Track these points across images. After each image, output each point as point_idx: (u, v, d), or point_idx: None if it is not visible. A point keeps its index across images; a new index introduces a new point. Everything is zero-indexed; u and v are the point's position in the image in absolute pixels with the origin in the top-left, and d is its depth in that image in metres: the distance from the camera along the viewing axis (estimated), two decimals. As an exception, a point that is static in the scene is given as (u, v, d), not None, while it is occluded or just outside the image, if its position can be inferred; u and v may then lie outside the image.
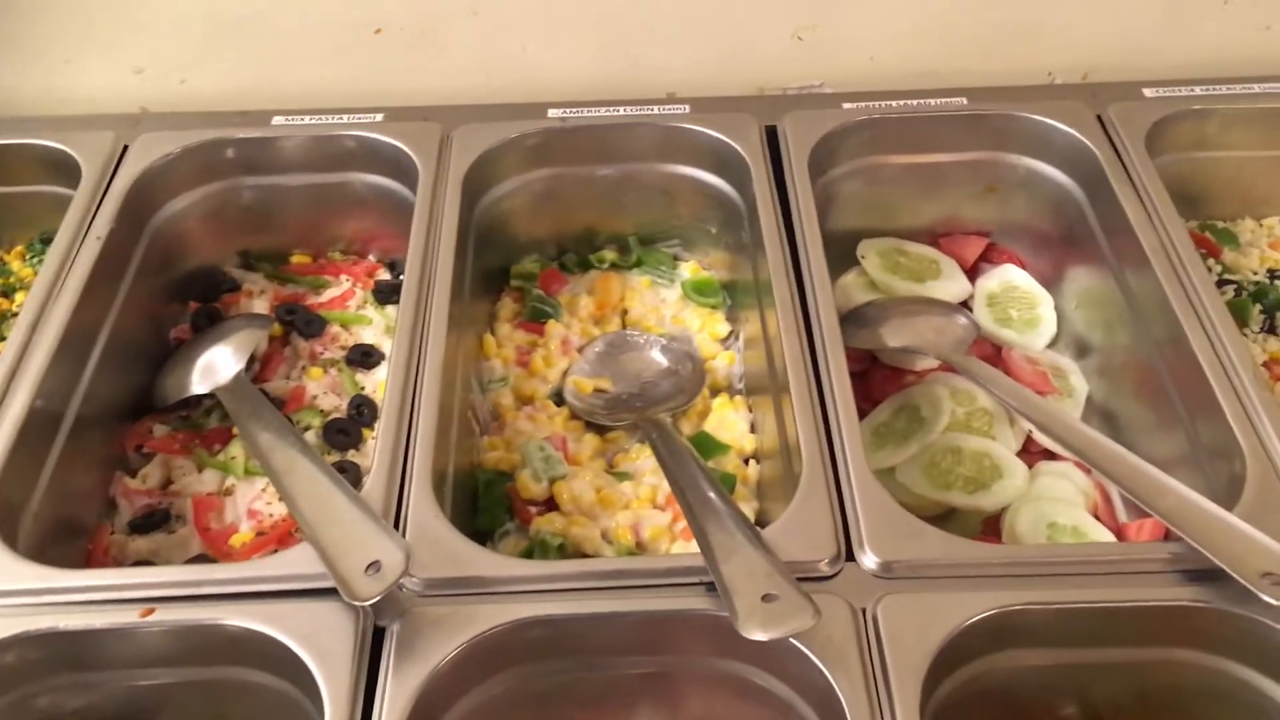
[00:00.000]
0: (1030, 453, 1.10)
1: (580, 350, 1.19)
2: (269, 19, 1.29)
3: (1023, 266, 1.27)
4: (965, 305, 1.24)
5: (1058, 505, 1.02)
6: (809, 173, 1.17)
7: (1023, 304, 1.23)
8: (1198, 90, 1.27)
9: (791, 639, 0.77)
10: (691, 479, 0.92)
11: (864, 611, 0.80)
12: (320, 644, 0.76)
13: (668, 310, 1.25)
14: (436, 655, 0.76)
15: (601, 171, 1.25)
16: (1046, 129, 1.20)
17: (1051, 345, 1.21)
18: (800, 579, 0.80)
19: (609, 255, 1.29)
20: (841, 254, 1.26)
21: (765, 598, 0.75)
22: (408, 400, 0.94)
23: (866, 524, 0.85)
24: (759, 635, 0.72)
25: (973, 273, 1.28)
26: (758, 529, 0.84)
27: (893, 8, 1.31)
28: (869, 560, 0.83)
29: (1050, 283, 1.24)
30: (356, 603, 0.75)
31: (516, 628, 0.77)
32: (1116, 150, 1.17)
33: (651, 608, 0.79)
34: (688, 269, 1.28)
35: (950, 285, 1.24)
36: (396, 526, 0.86)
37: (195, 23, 1.28)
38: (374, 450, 0.91)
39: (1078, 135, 1.19)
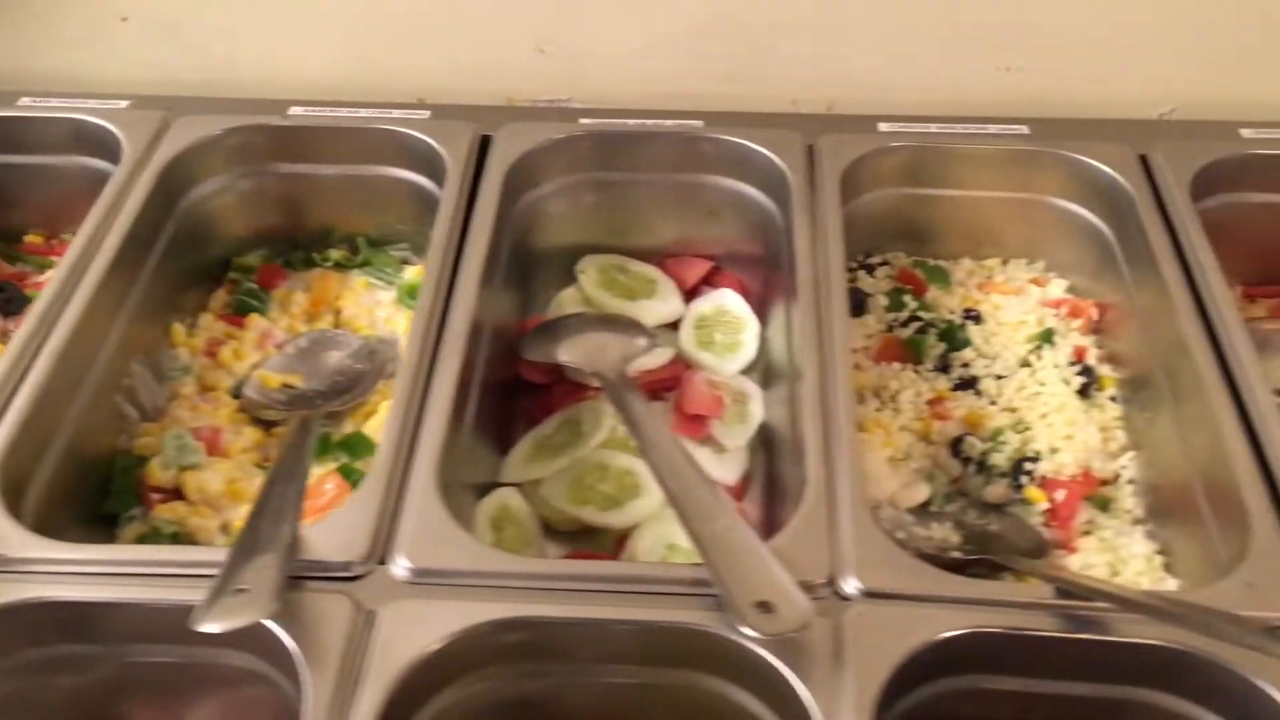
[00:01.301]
0: (686, 474, 1.10)
1: (279, 346, 1.20)
2: (18, -1, 1.31)
3: (745, 291, 1.27)
4: (675, 326, 1.24)
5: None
6: (509, 185, 1.18)
7: (729, 328, 1.23)
8: (933, 128, 1.27)
9: (284, 633, 0.77)
10: (287, 474, 0.93)
11: (372, 614, 0.80)
12: None
13: (381, 312, 1.26)
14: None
15: (323, 171, 1.26)
16: (750, 153, 1.21)
17: (749, 370, 1.21)
18: (324, 577, 0.81)
19: (335, 254, 1.30)
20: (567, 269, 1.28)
21: (238, 591, 0.76)
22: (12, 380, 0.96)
23: (413, 532, 0.85)
24: (206, 626, 0.73)
25: (696, 294, 1.28)
26: (297, 531, 0.84)
27: (643, 26, 1.32)
28: (399, 566, 0.84)
29: (765, 308, 1.25)
30: None
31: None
32: (814, 180, 1.17)
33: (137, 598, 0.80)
34: (413, 272, 1.29)
35: (661, 306, 1.25)
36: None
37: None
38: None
39: (777, 161, 1.19)
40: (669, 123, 1.28)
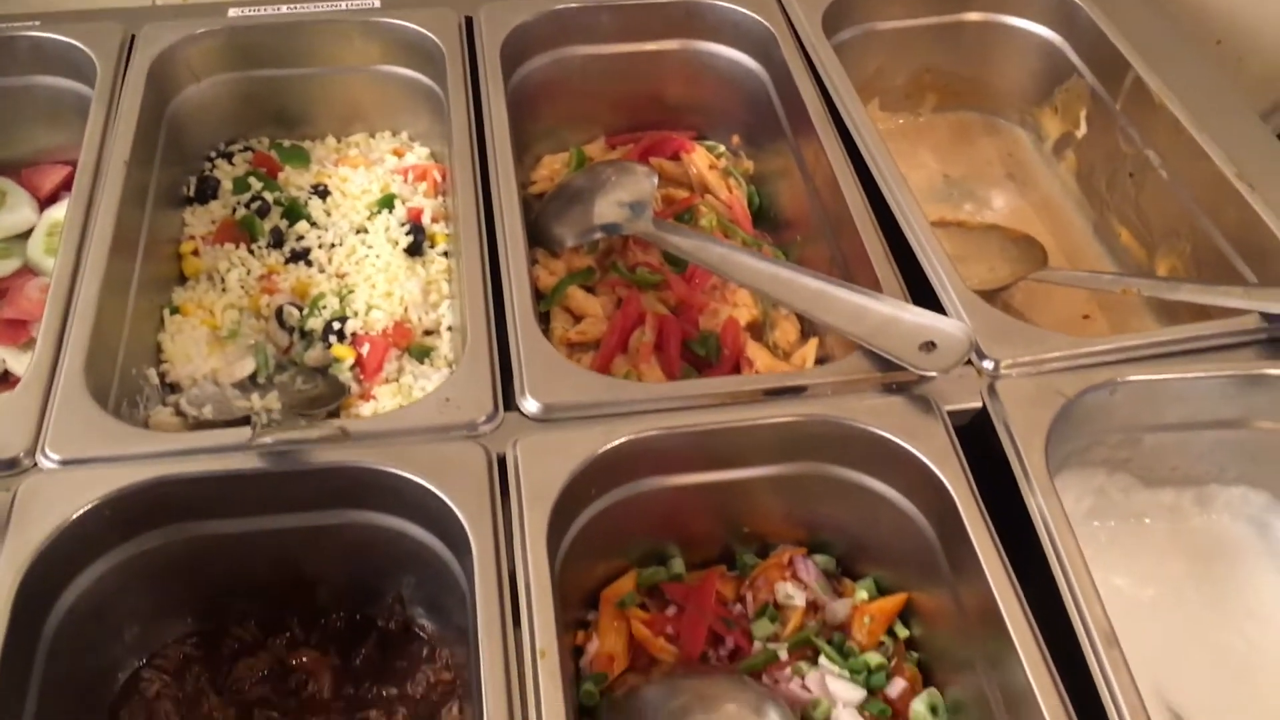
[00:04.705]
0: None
1: None
2: None
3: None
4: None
5: None
6: None
7: (84, 231, 1.20)
8: (284, 9, 1.26)
9: None
10: None
11: None
12: None
13: None
14: None
15: None
16: (67, 49, 1.18)
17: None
18: None
19: None
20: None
21: None
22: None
23: None
24: None
25: (55, 200, 1.24)
26: None
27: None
28: None
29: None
30: None
31: None
32: (123, 75, 1.16)
33: None
34: None
35: (9, 216, 1.21)
36: None
37: None
38: None
39: (89, 53, 1.16)
40: (-1, 25, 1.22)
